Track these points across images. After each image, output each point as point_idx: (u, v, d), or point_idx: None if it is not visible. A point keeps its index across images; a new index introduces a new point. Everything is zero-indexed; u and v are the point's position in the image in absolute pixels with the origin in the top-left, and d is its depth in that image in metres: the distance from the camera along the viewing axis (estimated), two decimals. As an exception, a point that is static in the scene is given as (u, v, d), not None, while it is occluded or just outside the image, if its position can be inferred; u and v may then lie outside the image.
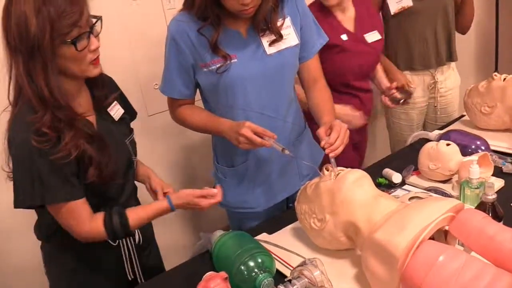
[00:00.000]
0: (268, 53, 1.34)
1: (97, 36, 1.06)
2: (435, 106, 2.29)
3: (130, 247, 1.28)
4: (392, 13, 2.12)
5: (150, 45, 1.93)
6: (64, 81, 1.04)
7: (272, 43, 1.34)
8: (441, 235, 0.99)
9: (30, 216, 1.23)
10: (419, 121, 2.33)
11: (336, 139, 1.21)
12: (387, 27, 2.22)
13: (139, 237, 1.30)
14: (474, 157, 1.36)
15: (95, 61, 1.07)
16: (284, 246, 1.24)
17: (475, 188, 1.24)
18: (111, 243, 1.22)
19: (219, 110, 1.40)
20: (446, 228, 0.96)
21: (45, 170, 1.02)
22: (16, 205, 1.06)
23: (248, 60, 1.32)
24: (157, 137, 2.09)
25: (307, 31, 1.42)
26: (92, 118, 1.15)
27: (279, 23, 1.34)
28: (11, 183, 1.07)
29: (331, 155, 1.19)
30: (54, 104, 1.01)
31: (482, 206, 1.09)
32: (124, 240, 1.26)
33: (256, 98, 1.36)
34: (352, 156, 1.95)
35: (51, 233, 1.21)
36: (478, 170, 1.24)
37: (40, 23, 0.94)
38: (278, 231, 1.34)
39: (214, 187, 1.23)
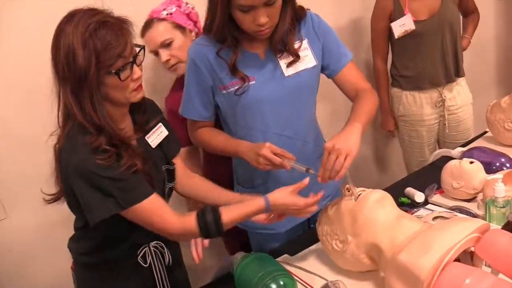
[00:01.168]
0: (286, 74, 1.35)
1: (140, 65, 1.10)
2: (444, 124, 2.27)
3: (160, 268, 1.28)
4: (396, 37, 2.14)
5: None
6: (110, 107, 1.09)
7: (289, 64, 1.35)
8: (467, 257, 0.97)
9: (57, 238, 1.25)
10: (429, 138, 2.31)
11: (329, 169, 1.16)
12: (394, 49, 2.24)
13: (168, 258, 1.30)
14: (499, 175, 1.34)
15: (138, 88, 1.11)
16: (306, 268, 1.23)
17: (501, 207, 1.22)
18: (142, 264, 1.23)
19: (238, 131, 1.42)
20: (472, 249, 0.94)
21: (114, 180, 1.05)
22: (93, 221, 1.07)
23: (266, 82, 1.34)
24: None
25: (332, 48, 1.42)
26: (134, 143, 1.18)
27: (296, 45, 1.35)
28: (39, 205, 1.10)
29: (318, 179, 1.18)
30: (102, 127, 1.05)
31: (508, 225, 1.07)
32: (154, 260, 1.26)
33: (274, 120, 1.37)
34: None
35: (86, 251, 1.23)
36: (503, 188, 1.21)
37: (87, 55, 1.00)
38: (300, 253, 1.33)
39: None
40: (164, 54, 1.64)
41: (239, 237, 1.65)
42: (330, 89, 1.56)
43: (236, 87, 1.32)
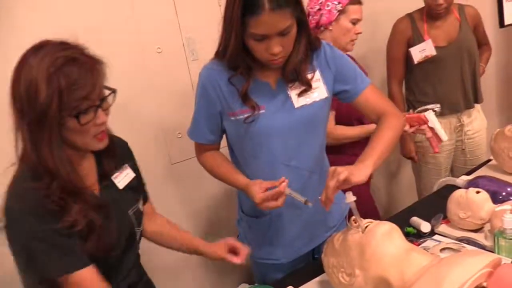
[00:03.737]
0: (296, 106, 1.34)
1: (106, 109, 1.01)
2: (463, 149, 2.26)
3: None
4: (416, 62, 2.14)
5: (173, 95, 1.98)
6: (69, 150, 1.01)
7: (300, 94, 1.33)
8: (479, 292, 0.94)
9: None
10: (446, 165, 2.30)
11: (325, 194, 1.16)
12: (412, 75, 2.24)
13: None
14: (507, 206, 1.32)
15: (100, 135, 1.03)
16: (311, 301, 1.20)
17: (511, 239, 1.20)
18: None
19: (245, 158, 1.41)
20: (484, 284, 0.92)
21: (47, 241, 0.96)
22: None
23: (276, 112, 1.33)
24: (180, 185, 2.09)
25: (347, 73, 1.40)
26: (95, 185, 1.10)
27: (309, 76, 1.34)
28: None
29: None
30: (58, 174, 0.97)
31: (519, 259, 1.05)
32: None
33: (282, 150, 1.35)
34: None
35: None
36: (512, 219, 1.19)
37: (49, 92, 0.91)
38: (305, 284, 1.30)
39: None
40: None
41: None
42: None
43: (246, 115, 1.31)
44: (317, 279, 1.30)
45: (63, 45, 0.96)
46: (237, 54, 1.25)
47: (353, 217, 1.14)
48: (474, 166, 2.13)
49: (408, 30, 2.17)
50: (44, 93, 0.91)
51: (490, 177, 1.63)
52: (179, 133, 1.99)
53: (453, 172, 2.34)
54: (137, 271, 1.25)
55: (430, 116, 1.68)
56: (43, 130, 0.93)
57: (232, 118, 1.34)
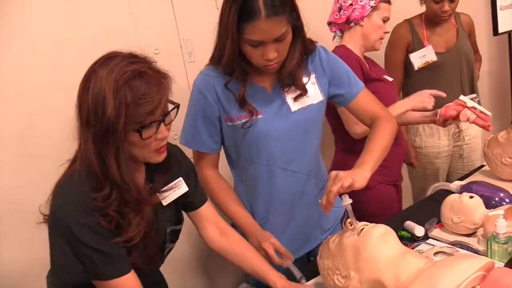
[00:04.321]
0: (292, 110, 1.35)
1: (168, 124, 1.01)
2: (461, 155, 2.28)
3: None
4: (416, 68, 2.16)
5: (170, 97, 1.98)
6: (130, 162, 1.00)
7: (296, 98, 1.34)
8: (472, 295, 0.95)
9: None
10: (444, 170, 2.31)
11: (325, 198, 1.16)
12: (411, 81, 2.25)
13: None
14: (500, 210, 1.33)
15: (161, 149, 1.02)
16: (306, 303, 1.20)
17: (503, 243, 1.21)
18: None
19: (242, 163, 1.41)
20: (477, 287, 0.93)
21: (96, 250, 0.97)
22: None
23: (273, 117, 1.34)
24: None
25: (342, 77, 1.42)
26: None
27: (304, 80, 1.35)
28: (24, 233, 1.05)
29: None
30: (122, 186, 0.96)
31: (512, 263, 1.06)
32: None
33: (279, 154, 1.36)
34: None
35: None
36: (505, 224, 1.21)
37: (117, 105, 0.90)
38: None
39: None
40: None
41: None
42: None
43: (243, 120, 1.31)
44: (312, 281, 1.31)
45: (132, 58, 0.96)
46: (233, 59, 1.25)
47: (349, 220, 1.15)
48: (467, 172, 2.16)
49: (407, 36, 2.19)
50: (111, 105, 0.90)
51: (483, 183, 1.65)
52: (175, 134, 1.97)
53: (450, 177, 2.36)
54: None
55: (465, 98, 1.67)
56: (109, 142, 0.93)
57: (229, 124, 1.35)
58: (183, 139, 1.42)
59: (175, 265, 1.95)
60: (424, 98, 1.71)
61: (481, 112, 1.64)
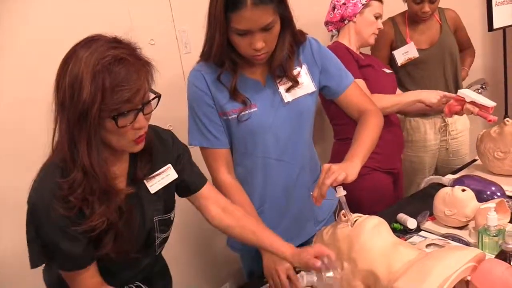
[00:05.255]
0: (285, 101, 1.35)
1: (147, 114, 0.98)
2: (447, 149, 2.30)
3: None
4: (399, 64, 2.19)
5: (165, 87, 1.94)
6: (104, 149, 0.97)
7: (288, 89, 1.35)
8: (463, 286, 0.97)
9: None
10: (431, 164, 2.33)
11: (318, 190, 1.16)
12: (396, 77, 2.28)
13: None
14: (491, 204, 1.35)
15: (139, 139, 0.99)
16: (299, 293, 1.21)
17: (494, 236, 1.23)
18: None
19: (236, 156, 1.41)
20: (468, 278, 0.94)
21: (57, 236, 0.96)
22: (32, 266, 1.01)
23: (267, 109, 1.34)
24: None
25: (332, 70, 1.43)
26: (123, 184, 1.05)
27: (295, 71, 1.36)
28: (15, 224, 1.04)
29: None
30: (91, 174, 0.94)
31: (502, 255, 1.08)
32: None
33: (274, 146, 1.37)
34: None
35: (59, 282, 1.14)
36: (496, 217, 1.22)
37: (93, 90, 0.88)
38: (293, 277, 1.31)
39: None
40: None
41: None
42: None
43: (238, 114, 1.32)
44: (305, 272, 1.31)
45: (114, 43, 0.93)
46: (222, 50, 1.25)
47: (343, 211, 1.16)
48: (457, 166, 2.19)
49: (391, 34, 2.24)
50: (87, 90, 0.88)
51: (475, 176, 1.67)
52: (170, 125, 1.98)
53: (437, 171, 2.38)
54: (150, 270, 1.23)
55: (464, 92, 1.70)
56: (82, 128, 0.91)
57: (224, 118, 1.35)
58: (192, 140, 1.38)
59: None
60: (436, 96, 1.76)
61: (482, 105, 1.66)
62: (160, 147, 1.12)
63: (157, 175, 1.10)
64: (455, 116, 2.26)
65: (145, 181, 1.09)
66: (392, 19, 2.27)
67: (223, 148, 1.38)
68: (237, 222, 1.23)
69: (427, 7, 2.12)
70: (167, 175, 1.12)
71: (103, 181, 0.96)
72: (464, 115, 2.30)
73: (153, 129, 1.12)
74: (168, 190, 1.15)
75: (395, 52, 2.20)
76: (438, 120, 2.25)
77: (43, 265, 1.19)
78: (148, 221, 1.11)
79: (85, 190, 0.95)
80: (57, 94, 0.93)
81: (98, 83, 0.88)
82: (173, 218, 1.20)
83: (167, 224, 1.17)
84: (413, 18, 2.22)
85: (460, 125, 2.29)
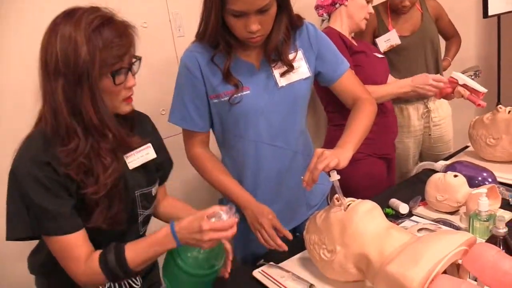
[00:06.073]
0: (279, 85, 1.35)
1: (134, 75, 1.06)
2: (430, 135, 2.33)
3: None
4: (382, 51, 2.22)
5: (158, 71, 1.95)
6: None
7: (283, 74, 1.35)
8: (454, 269, 0.98)
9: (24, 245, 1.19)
10: (415, 150, 2.35)
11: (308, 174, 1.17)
12: None
13: (140, 283, 1.19)
14: (483, 189, 1.36)
15: (128, 99, 1.06)
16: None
17: (485, 221, 1.24)
18: None
19: (229, 140, 1.41)
20: (459, 261, 0.95)
21: (44, 197, 0.97)
22: (8, 237, 1.00)
23: (260, 92, 1.34)
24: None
25: (328, 57, 1.43)
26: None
27: (291, 56, 1.35)
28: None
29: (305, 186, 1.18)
30: (102, 132, 0.99)
31: (493, 239, 1.09)
32: (119, 285, 1.14)
33: (267, 130, 1.37)
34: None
35: (43, 268, 1.16)
36: (487, 202, 1.23)
37: (91, 51, 0.93)
38: (285, 261, 1.32)
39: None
40: None
41: None
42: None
43: (229, 97, 1.31)
44: (297, 256, 1.33)
45: (95, 9, 0.99)
46: (216, 30, 1.25)
47: (336, 196, 1.16)
48: (442, 153, 2.27)
49: (373, 22, 2.26)
50: (85, 51, 0.93)
51: (467, 163, 1.68)
52: (162, 110, 1.97)
53: (422, 158, 2.41)
54: None
55: (458, 75, 1.73)
56: (83, 88, 0.95)
57: (215, 101, 1.34)
58: (172, 118, 1.41)
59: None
60: (427, 85, 1.77)
61: (473, 89, 1.67)
62: (139, 125, 1.18)
63: (136, 152, 1.13)
64: (437, 103, 2.29)
65: (124, 156, 1.11)
66: (375, 8, 2.29)
67: (201, 131, 1.40)
68: (170, 210, 1.33)
69: (407, 1, 2.19)
70: (146, 153, 1.15)
71: (115, 132, 1.01)
72: (446, 103, 2.33)
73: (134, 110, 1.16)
74: (148, 168, 1.17)
75: (377, 40, 2.23)
76: (420, 105, 2.29)
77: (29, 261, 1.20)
78: (131, 194, 1.13)
79: (91, 152, 0.98)
80: (46, 64, 0.96)
81: (94, 43, 0.94)
82: (155, 194, 1.22)
83: (148, 200, 1.18)
84: (393, 9, 2.27)
85: (443, 111, 2.33)
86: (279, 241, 1.29)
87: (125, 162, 1.11)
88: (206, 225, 0.98)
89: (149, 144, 1.16)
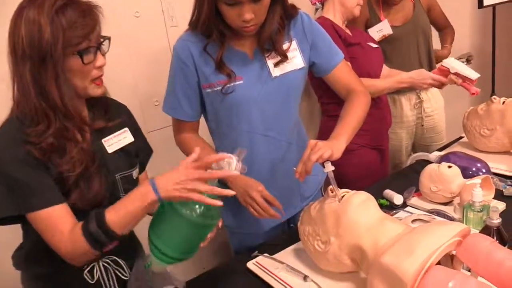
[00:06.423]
0: (273, 75, 1.34)
1: (103, 54, 1.06)
2: (422, 125, 2.33)
3: (112, 285, 1.16)
4: None
5: (150, 61, 1.93)
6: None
7: (277, 64, 1.33)
8: (448, 260, 0.98)
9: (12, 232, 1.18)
10: (407, 141, 2.35)
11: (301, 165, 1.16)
12: None
13: (128, 273, 1.17)
14: (477, 180, 1.36)
15: (98, 81, 1.07)
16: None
17: (478, 212, 1.24)
18: (89, 280, 1.11)
19: (222, 130, 1.40)
20: (453, 252, 0.96)
21: (25, 176, 0.98)
22: None
23: (253, 82, 1.32)
24: (157, 153, 2.06)
25: (322, 47, 1.42)
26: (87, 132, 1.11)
27: (285, 46, 1.33)
28: None
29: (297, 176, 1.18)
30: (64, 114, 1.00)
31: (486, 230, 1.09)
32: (104, 277, 1.14)
33: (260, 120, 1.36)
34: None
35: (27, 261, 1.15)
36: (481, 193, 1.23)
37: (54, 32, 0.95)
38: (280, 252, 1.32)
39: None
40: None
41: None
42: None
43: (222, 86, 1.30)
44: (292, 247, 1.33)
45: None
46: (209, 19, 1.23)
47: (330, 187, 1.16)
48: (435, 144, 2.26)
49: (365, 13, 2.25)
50: (48, 31, 0.95)
51: (461, 153, 1.68)
52: (156, 100, 1.96)
53: (414, 149, 2.42)
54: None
55: (449, 62, 1.73)
56: (47, 69, 0.97)
57: (208, 90, 1.33)
58: (165, 107, 1.41)
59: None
60: (425, 82, 1.79)
61: (466, 76, 1.67)
62: (115, 111, 1.18)
63: (114, 136, 1.16)
64: (429, 94, 2.29)
65: (102, 140, 1.13)
66: None
67: (190, 120, 1.41)
68: None
69: None
70: (124, 137, 1.18)
71: (77, 117, 1.02)
72: (439, 93, 2.33)
73: (107, 97, 1.17)
74: (127, 152, 1.19)
75: (370, 30, 2.22)
76: (413, 96, 2.28)
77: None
78: (111, 177, 1.13)
79: (59, 132, 1.00)
80: (14, 50, 0.98)
81: (57, 24, 0.95)
82: (136, 178, 1.22)
83: (129, 183, 1.18)
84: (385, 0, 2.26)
85: (435, 102, 2.33)
86: (272, 212, 1.30)
87: (103, 145, 1.13)
88: (194, 174, 0.95)
89: (126, 128, 1.19)
